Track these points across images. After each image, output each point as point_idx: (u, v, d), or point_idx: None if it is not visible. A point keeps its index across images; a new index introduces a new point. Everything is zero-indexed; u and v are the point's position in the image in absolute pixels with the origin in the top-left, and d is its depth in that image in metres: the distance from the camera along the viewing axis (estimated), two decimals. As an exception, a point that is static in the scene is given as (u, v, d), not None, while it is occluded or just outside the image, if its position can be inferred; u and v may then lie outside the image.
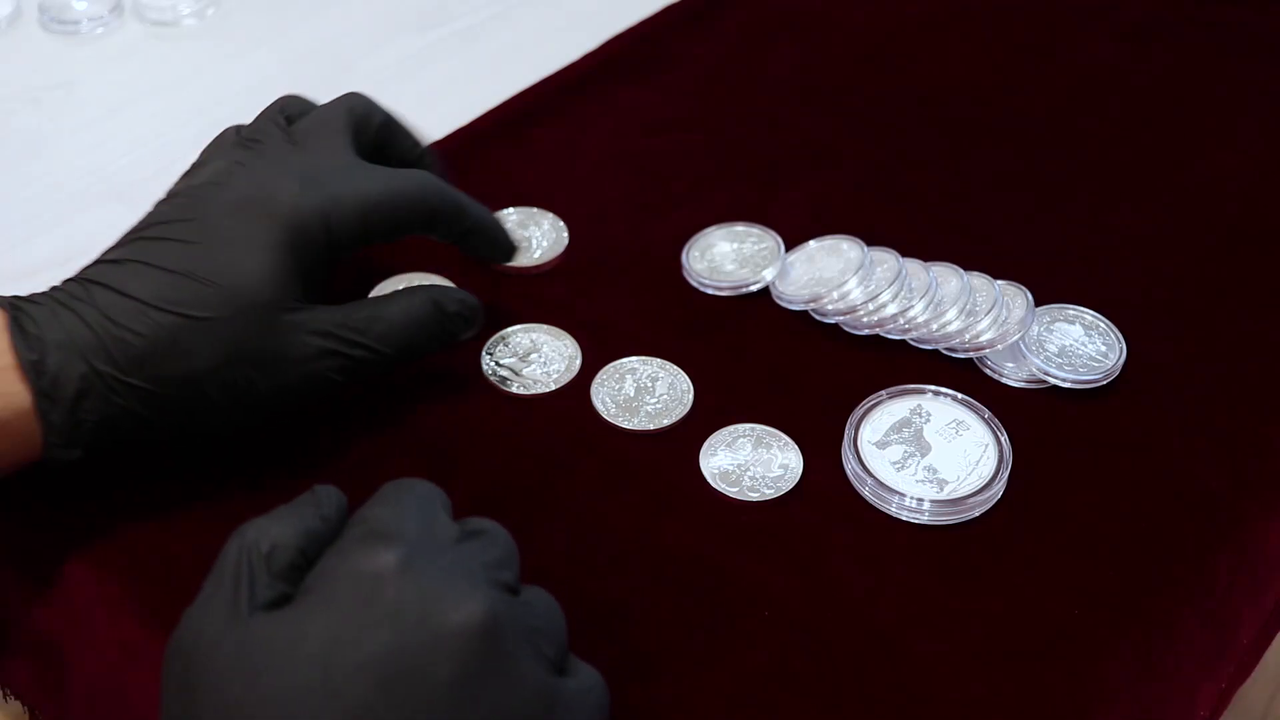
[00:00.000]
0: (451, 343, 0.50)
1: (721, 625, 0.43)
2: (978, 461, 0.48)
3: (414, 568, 0.34)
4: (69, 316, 0.43)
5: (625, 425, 0.50)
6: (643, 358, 0.53)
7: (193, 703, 0.33)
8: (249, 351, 0.44)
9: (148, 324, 0.43)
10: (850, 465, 0.48)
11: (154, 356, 0.42)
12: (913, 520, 0.47)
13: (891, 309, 0.53)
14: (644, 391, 0.51)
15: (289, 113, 0.51)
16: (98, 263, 0.45)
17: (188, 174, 0.49)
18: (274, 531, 0.36)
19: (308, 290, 0.46)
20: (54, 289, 0.44)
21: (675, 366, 0.52)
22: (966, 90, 0.70)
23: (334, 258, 0.47)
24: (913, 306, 0.53)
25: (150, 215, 0.47)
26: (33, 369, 0.42)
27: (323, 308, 0.46)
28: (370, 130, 0.51)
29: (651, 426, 0.50)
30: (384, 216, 0.47)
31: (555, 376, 0.52)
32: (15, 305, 0.43)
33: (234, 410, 0.45)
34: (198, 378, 0.43)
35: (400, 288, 0.51)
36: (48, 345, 0.42)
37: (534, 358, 0.53)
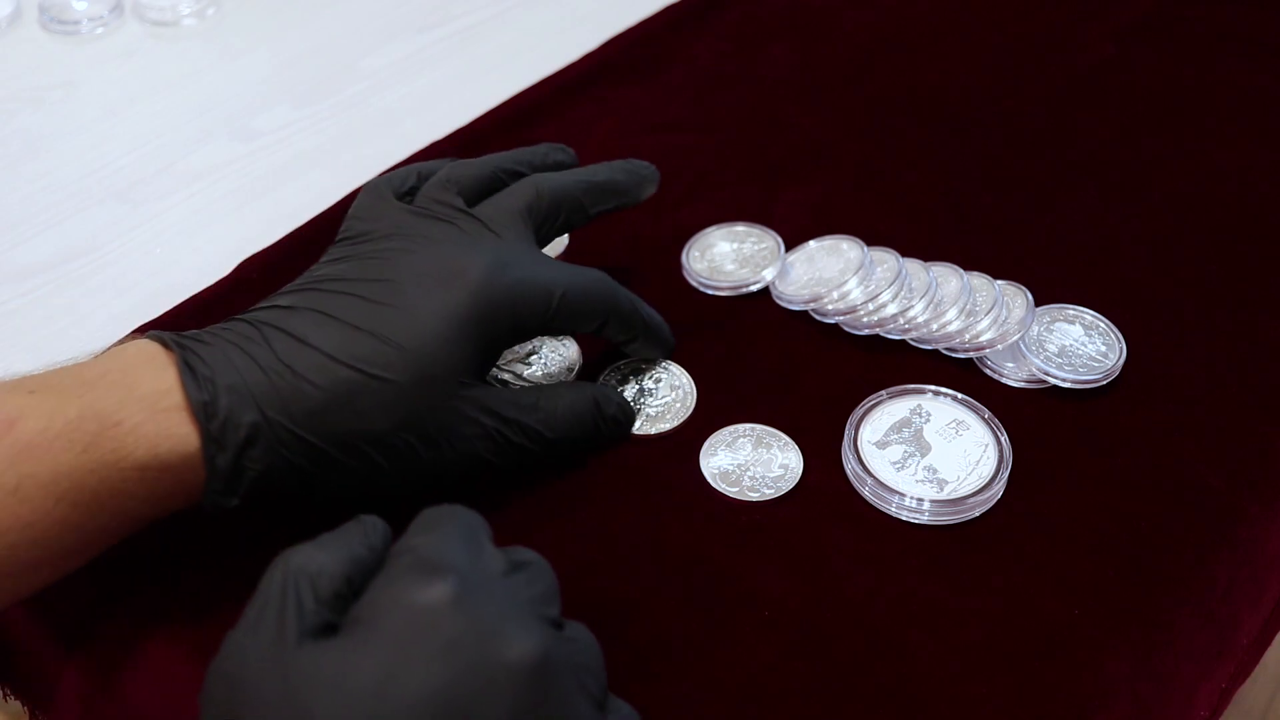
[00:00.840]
0: (601, 444, 0.49)
1: (721, 625, 0.43)
2: (978, 461, 0.48)
3: (467, 601, 0.34)
4: (242, 359, 0.41)
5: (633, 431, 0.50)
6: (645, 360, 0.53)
7: None
8: (422, 420, 0.43)
9: (327, 377, 0.41)
10: (850, 465, 0.48)
11: (329, 411, 0.41)
12: (913, 520, 0.47)
13: (891, 309, 0.53)
14: (646, 394, 0.51)
15: (460, 183, 0.50)
16: (269, 307, 0.44)
17: (350, 234, 0.48)
18: (320, 559, 0.35)
19: (482, 370, 0.45)
20: (222, 327, 0.43)
21: (679, 367, 0.52)
22: (967, 90, 0.70)
23: (511, 343, 0.47)
24: (913, 306, 0.53)
25: (324, 269, 0.46)
26: (203, 410, 0.40)
27: (494, 388, 0.46)
28: (542, 212, 0.50)
29: (652, 431, 0.50)
30: (569, 309, 0.47)
31: (556, 378, 0.52)
32: (183, 344, 0.42)
33: (392, 478, 0.44)
34: (368, 439, 0.42)
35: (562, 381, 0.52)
36: (219, 388, 0.41)
37: (534, 359, 0.53)
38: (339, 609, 0.35)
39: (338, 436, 0.42)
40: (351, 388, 0.42)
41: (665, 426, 0.50)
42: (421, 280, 0.44)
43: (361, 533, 0.37)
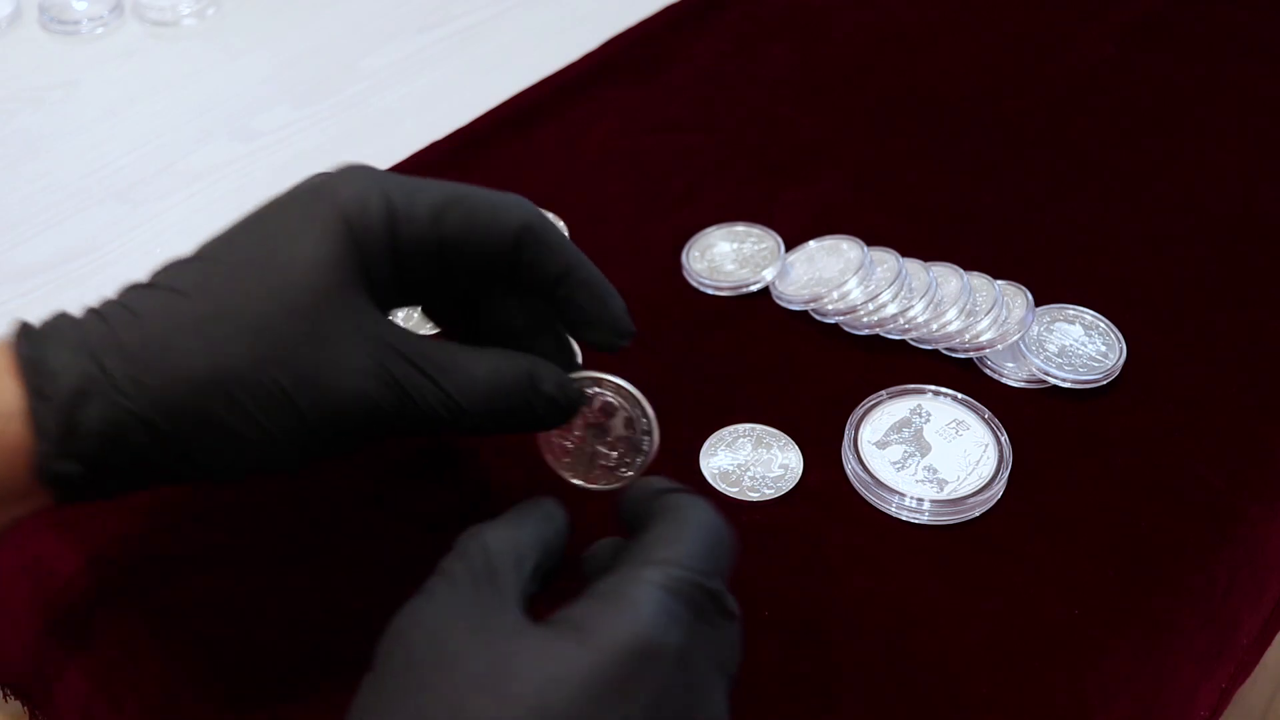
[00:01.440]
0: (533, 428, 0.41)
1: (721, 625, 0.43)
2: (978, 461, 0.48)
3: (694, 655, 0.33)
4: (88, 316, 0.37)
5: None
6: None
7: (424, 704, 0.32)
8: (293, 352, 0.35)
9: (169, 310, 0.36)
10: (850, 465, 0.48)
11: (173, 349, 0.35)
12: (912, 520, 0.47)
13: (891, 309, 0.53)
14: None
15: None
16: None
17: None
18: (520, 540, 0.35)
19: (376, 295, 0.38)
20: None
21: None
22: (967, 90, 0.70)
23: (402, 271, 0.38)
24: (913, 306, 0.53)
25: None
26: (29, 366, 0.35)
27: (390, 323, 0.38)
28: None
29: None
30: (460, 219, 0.38)
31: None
32: (34, 325, 0.37)
33: (270, 435, 0.36)
34: (223, 378, 0.35)
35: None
36: (50, 342, 0.36)
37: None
38: (530, 592, 0.35)
39: (188, 379, 0.35)
40: (198, 318, 0.35)
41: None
42: (274, 208, 0.38)
43: (549, 518, 0.37)
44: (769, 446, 0.49)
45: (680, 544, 0.35)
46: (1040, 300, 0.54)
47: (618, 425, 0.42)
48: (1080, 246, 0.59)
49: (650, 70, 0.71)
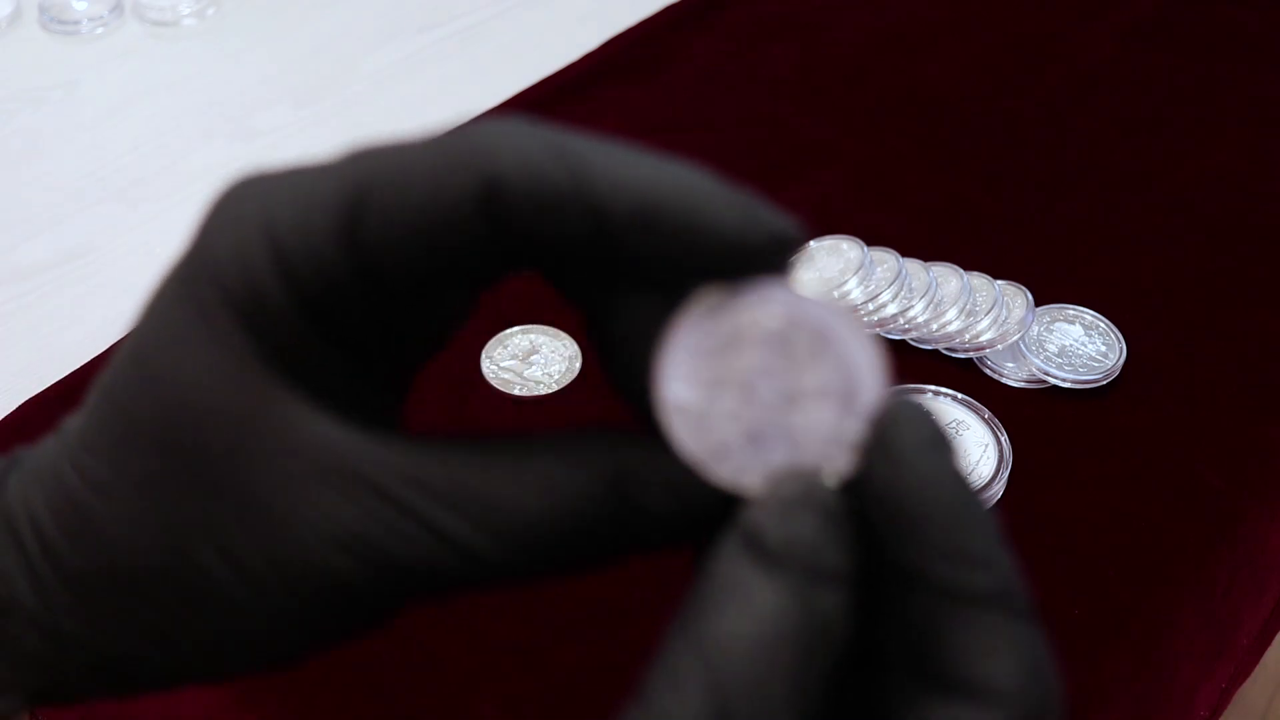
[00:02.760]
0: (629, 552, 0.26)
1: (721, 625, 0.43)
2: (978, 461, 0.48)
3: None
4: None
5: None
6: None
7: None
8: (197, 506, 0.24)
9: (51, 490, 0.25)
10: (850, 465, 0.48)
11: (63, 540, 0.25)
12: (913, 520, 0.47)
13: (891, 309, 0.53)
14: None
15: None
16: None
17: None
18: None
19: (319, 389, 0.24)
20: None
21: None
22: (966, 90, 0.70)
23: (339, 324, 0.24)
24: (913, 306, 0.53)
25: None
26: None
27: (360, 434, 0.24)
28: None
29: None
30: (381, 217, 0.23)
31: (556, 377, 0.52)
32: None
33: (195, 641, 0.25)
34: (125, 568, 0.25)
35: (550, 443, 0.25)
36: None
37: (535, 359, 0.53)
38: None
39: (84, 577, 0.25)
40: (79, 491, 0.25)
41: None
42: (155, 308, 0.26)
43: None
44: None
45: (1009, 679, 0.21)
46: (1040, 300, 0.54)
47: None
48: (1080, 246, 0.59)
49: (650, 70, 0.71)
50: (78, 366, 0.53)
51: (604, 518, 0.24)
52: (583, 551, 0.25)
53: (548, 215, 0.23)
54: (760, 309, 0.24)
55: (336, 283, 0.24)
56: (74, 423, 0.26)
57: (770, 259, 0.25)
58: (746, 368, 0.24)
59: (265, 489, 0.24)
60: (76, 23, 0.76)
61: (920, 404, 0.23)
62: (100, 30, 0.76)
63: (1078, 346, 0.53)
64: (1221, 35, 0.74)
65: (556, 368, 0.52)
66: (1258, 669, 0.51)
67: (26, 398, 0.52)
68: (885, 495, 0.23)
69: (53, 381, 0.53)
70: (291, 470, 0.24)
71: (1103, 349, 0.53)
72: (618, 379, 0.25)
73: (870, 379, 0.23)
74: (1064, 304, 0.55)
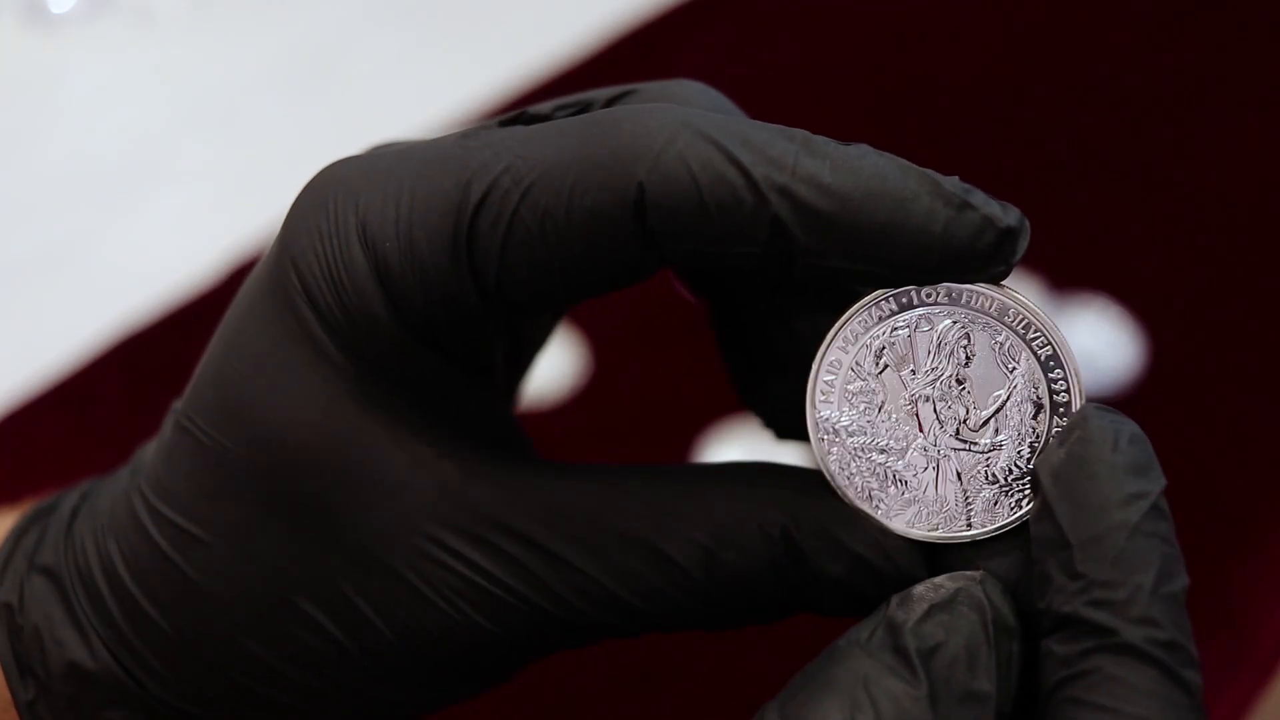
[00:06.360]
0: (796, 610, 0.25)
1: (725, 630, 0.42)
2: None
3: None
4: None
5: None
6: None
7: None
8: (296, 560, 0.22)
9: (131, 544, 0.23)
10: (857, 467, 0.47)
11: (147, 601, 0.23)
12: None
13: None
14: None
15: None
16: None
17: None
18: None
19: (423, 408, 0.23)
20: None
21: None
22: (969, 88, 0.69)
23: (451, 340, 0.23)
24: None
25: None
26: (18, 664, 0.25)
27: (480, 461, 0.22)
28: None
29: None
30: (524, 231, 0.22)
31: (556, 377, 0.51)
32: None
33: (314, 700, 0.23)
34: (219, 628, 0.23)
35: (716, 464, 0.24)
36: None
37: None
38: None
39: (181, 650, 0.23)
40: (176, 563, 0.23)
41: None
42: (241, 317, 0.25)
43: None
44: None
45: None
46: (1052, 294, 0.54)
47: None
48: (1091, 245, 0.58)
49: (650, 70, 0.71)
50: (65, 367, 0.53)
51: (766, 560, 0.22)
52: (747, 610, 0.23)
53: (722, 232, 0.21)
54: (940, 321, 0.21)
55: (450, 297, 0.21)
56: (149, 457, 0.24)
57: (987, 261, 0.21)
58: (914, 392, 0.21)
59: (371, 536, 0.21)
60: (59, 15, 0.75)
61: (1124, 424, 0.21)
62: (84, 23, 0.75)
63: (1089, 345, 0.52)
64: (1231, 28, 0.73)
65: (557, 367, 0.52)
66: (1278, 678, 0.50)
67: (6, 394, 0.52)
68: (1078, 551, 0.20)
69: (34, 379, 0.52)
70: (405, 513, 0.21)
71: (1115, 348, 0.52)
72: (755, 395, 0.23)
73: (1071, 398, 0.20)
74: (1076, 299, 0.54)
